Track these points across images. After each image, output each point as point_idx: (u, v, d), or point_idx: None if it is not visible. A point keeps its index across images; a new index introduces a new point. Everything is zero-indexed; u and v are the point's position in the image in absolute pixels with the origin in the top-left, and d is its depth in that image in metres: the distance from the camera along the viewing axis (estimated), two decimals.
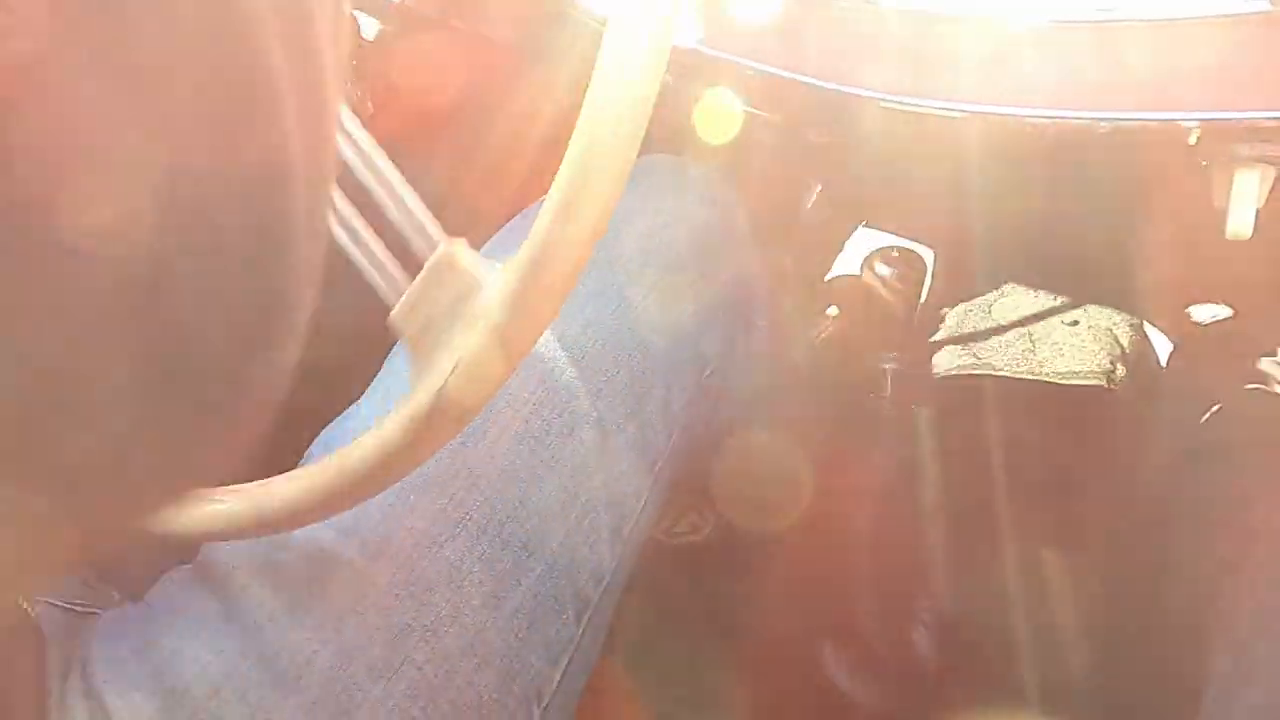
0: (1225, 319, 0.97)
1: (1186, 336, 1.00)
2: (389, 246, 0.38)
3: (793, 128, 1.06)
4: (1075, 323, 1.11)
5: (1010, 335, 1.12)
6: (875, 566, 0.51)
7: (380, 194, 0.37)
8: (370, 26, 0.88)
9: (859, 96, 0.47)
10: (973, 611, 0.86)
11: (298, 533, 0.48)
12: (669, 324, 0.56)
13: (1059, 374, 1.06)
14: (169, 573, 0.52)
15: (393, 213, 0.37)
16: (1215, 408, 0.87)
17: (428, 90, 0.94)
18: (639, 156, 0.64)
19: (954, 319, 1.15)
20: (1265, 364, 0.88)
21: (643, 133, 0.32)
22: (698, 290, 0.57)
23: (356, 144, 0.38)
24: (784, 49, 0.48)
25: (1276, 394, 0.83)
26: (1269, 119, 0.41)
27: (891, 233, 1.16)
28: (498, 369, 0.33)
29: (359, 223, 0.38)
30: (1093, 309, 1.11)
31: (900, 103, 0.47)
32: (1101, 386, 1.05)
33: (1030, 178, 1.13)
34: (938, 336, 1.13)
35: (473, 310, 0.34)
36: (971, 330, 1.13)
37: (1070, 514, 0.95)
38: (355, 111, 0.91)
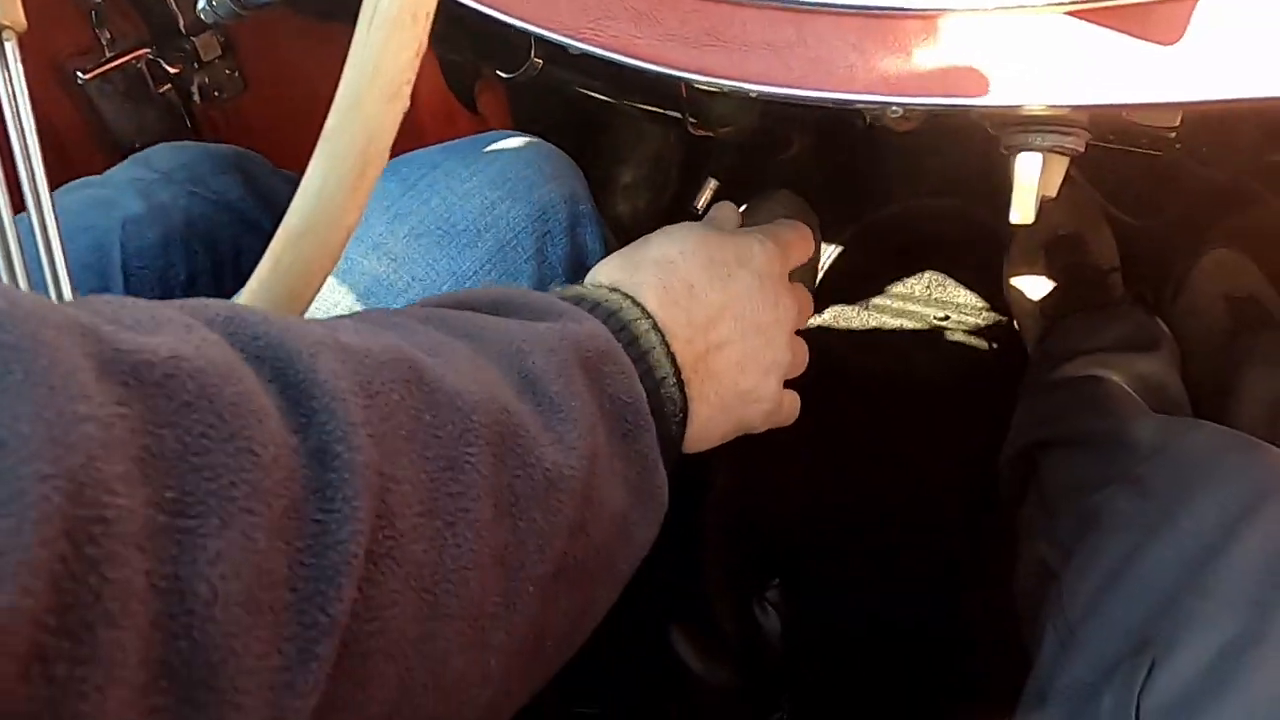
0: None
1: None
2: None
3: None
4: (946, 317, 1.14)
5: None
6: (723, 546, 0.52)
7: (40, 241, 0.37)
8: None
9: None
10: (821, 589, 0.88)
11: None
12: None
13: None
14: None
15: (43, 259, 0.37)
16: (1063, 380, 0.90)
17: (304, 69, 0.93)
18: (487, 132, 0.65)
19: (835, 310, 1.17)
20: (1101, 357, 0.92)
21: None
22: (534, 267, 0.57)
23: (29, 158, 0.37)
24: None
25: (1112, 381, 0.87)
26: (1045, 109, 0.43)
27: None
28: None
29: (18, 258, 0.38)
30: (963, 311, 1.15)
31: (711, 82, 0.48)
32: (964, 376, 1.08)
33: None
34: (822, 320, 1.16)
35: None
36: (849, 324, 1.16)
37: (921, 496, 0.98)
38: (221, 87, 0.89)
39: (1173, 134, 0.93)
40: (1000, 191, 0.50)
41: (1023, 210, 0.46)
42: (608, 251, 0.57)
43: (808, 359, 0.55)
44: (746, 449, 0.54)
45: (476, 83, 1.03)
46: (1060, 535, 0.70)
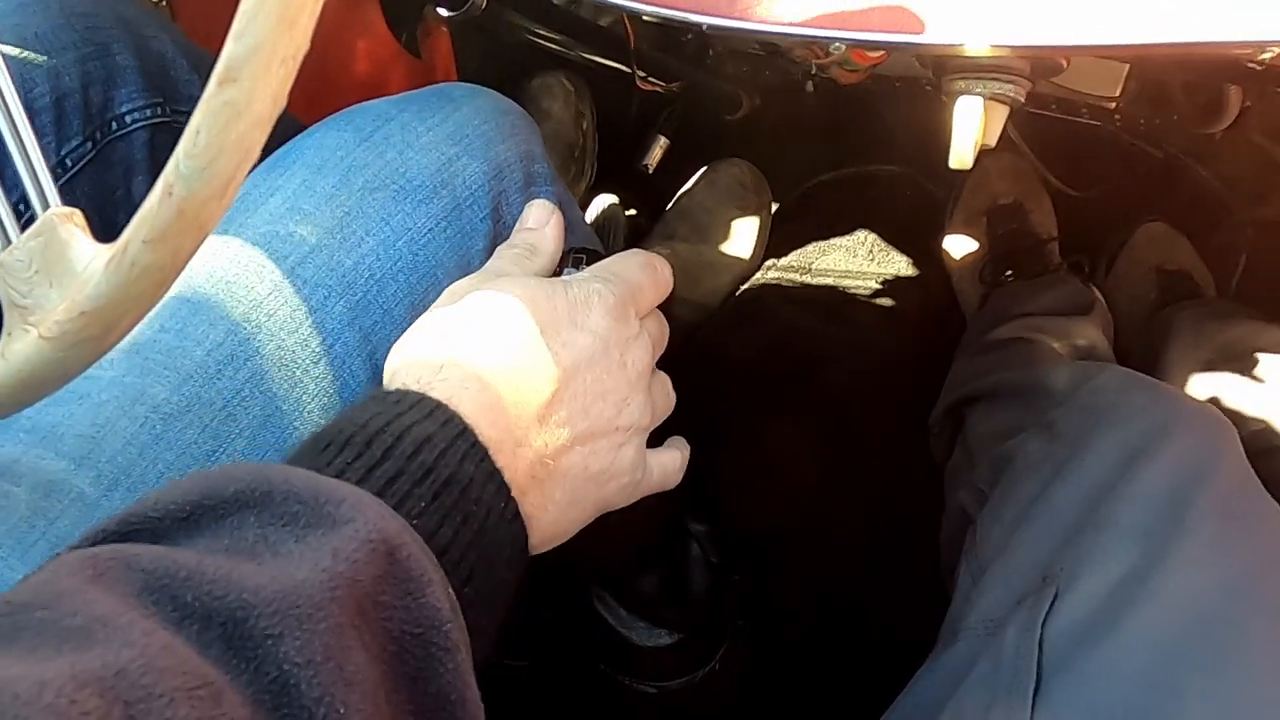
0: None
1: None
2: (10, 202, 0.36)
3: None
4: (887, 281, 1.15)
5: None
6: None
7: (11, 146, 0.35)
8: None
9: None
10: (753, 545, 0.88)
11: (25, 463, 0.45)
12: (458, 259, 0.54)
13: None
14: None
15: (19, 167, 0.35)
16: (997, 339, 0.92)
17: None
18: (442, 83, 0.63)
19: (777, 270, 1.17)
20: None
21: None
22: (490, 226, 0.55)
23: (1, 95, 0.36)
24: None
25: (1043, 342, 0.89)
26: (988, 50, 0.43)
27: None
28: (86, 346, 0.33)
29: None
30: (901, 278, 1.16)
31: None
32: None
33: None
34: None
35: (67, 282, 0.33)
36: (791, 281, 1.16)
37: (857, 455, 0.99)
38: None
39: (1112, 104, 0.95)
40: (944, 159, 0.50)
41: (960, 155, 0.47)
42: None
43: (673, 398, 0.50)
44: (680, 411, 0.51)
45: (419, 25, 1.01)
46: (977, 482, 0.71)
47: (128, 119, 0.63)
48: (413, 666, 0.31)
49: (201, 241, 0.32)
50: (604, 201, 1.15)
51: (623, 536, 0.70)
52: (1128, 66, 0.88)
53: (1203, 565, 0.45)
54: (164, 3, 0.79)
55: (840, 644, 0.87)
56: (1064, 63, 0.50)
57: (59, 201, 0.35)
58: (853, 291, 1.15)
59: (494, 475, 0.38)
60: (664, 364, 0.50)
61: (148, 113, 0.65)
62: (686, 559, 0.77)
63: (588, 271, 0.48)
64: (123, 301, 0.32)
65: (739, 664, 0.83)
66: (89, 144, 0.62)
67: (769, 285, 1.15)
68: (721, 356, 1.06)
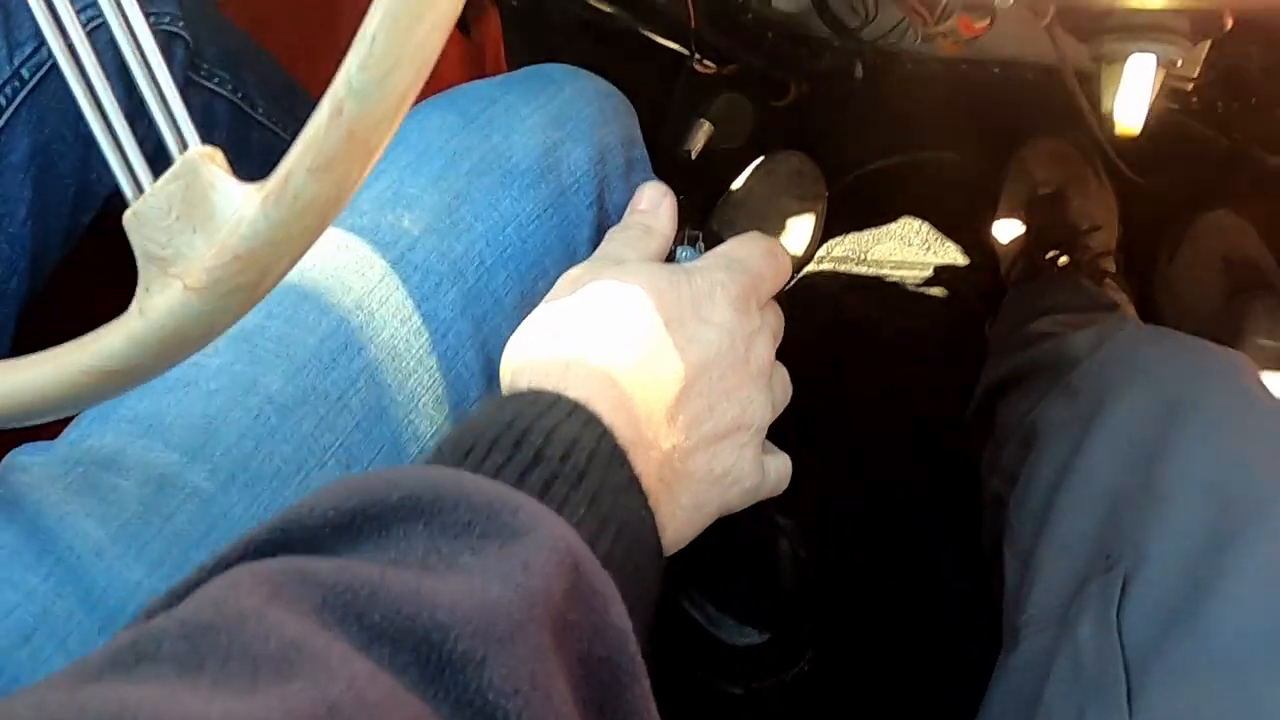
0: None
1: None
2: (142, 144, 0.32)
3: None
4: (942, 268, 1.13)
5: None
6: None
7: (143, 84, 0.32)
8: None
9: None
10: (834, 542, 0.86)
11: (131, 455, 0.41)
12: (564, 246, 0.52)
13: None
14: None
15: (152, 107, 0.32)
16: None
17: None
18: (540, 64, 0.60)
19: (832, 259, 1.15)
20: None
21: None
22: (595, 213, 0.53)
23: (130, 27, 0.32)
24: None
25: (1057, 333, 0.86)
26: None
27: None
28: (238, 296, 0.29)
29: (113, 109, 0.32)
30: (956, 267, 1.13)
31: None
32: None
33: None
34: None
35: (213, 227, 0.30)
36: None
37: (923, 444, 0.97)
38: None
39: (1190, 86, 0.93)
40: (995, 143, 0.48)
41: (1129, 119, 0.44)
42: None
43: (790, 391, 0.47)
44: None
45: (468, 4, 0.97)
46: (1005, 463, 0.68)
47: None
48: (599, 693, 0.28)
49: (369, 169, 0.28)
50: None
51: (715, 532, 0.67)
52: (1209, 43, 0.86)
53: None
54: None
55: (934, 649, 0.85)
56: (1228, 20, 0.47)
57: (198, 140, 0.31)
58: (908, 281, 1.12)
59: (634, 481, 0.36)
60: None
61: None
62: (776, 554, 0.74)
63: (708, 259, 0.45)
64: (282, 241, 0.29)
65: (829, 666, 0.80)
66: (45, 51, 0.58)
67: (824, 275, 1.12)
68: (781, 346, 1.03)
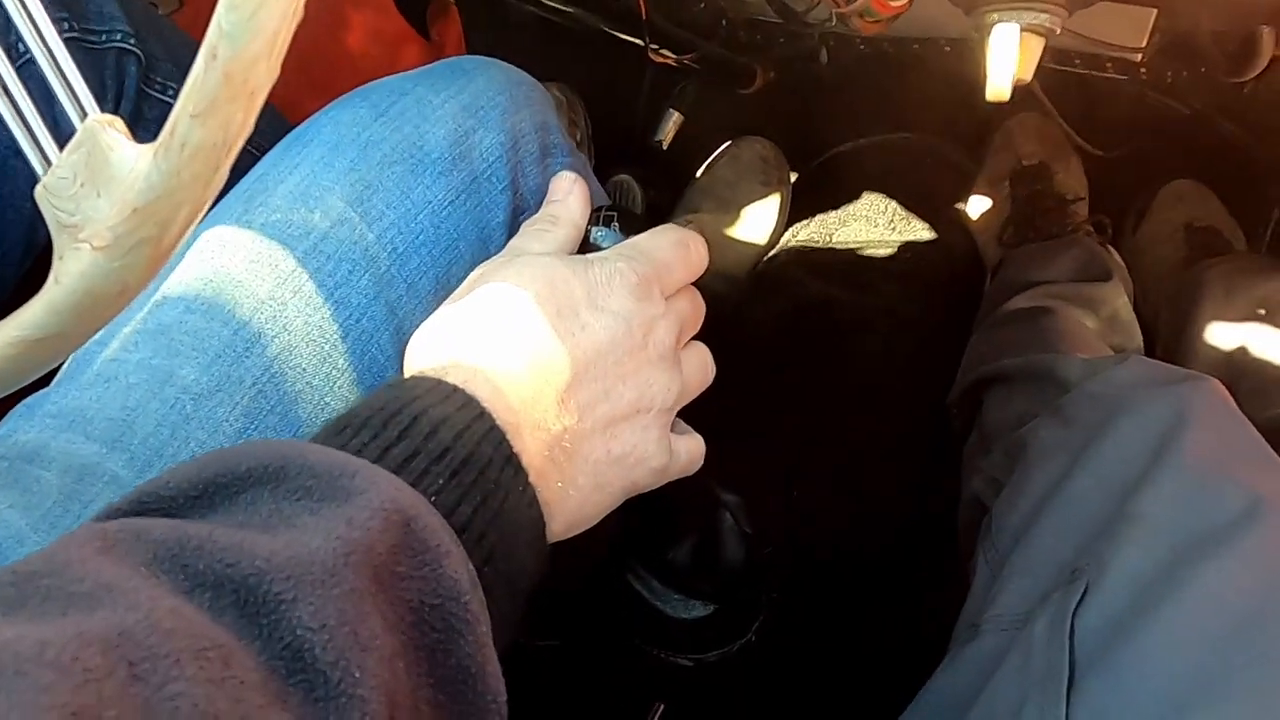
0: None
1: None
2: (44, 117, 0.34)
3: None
4: (909, 248, 1.14)
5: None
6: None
7: (40, 58, 0.33)
8: None
9: None
10: (787, 517, 0.87)
11: (54, 448, 0.43)
12: (478, 230, 0.54)
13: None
14: None
15: (49, 79, 0.33)
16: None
17: None
18: (453, 57, 0.62)
19: (798, 242, 1.16)
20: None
21: None
22: (509, 199, 0.55)
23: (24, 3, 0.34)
24: None
25: (1062, 313, 0.87)
26: None
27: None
28: (143, 250, 0.31)
29: (16, 87, 0.34)
30: (923, 244, 1.14)
31: None
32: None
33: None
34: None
35: (114, 188, 0.31)
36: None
37: (885, 425, 0.98)
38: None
39: (1138, 56, 0.93)
40: (962, 124, 0.48)
41: (997, 87, 0.45)
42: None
43: (711, 371, 0.49)
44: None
45: (429, 6, 1.00)
46: (990, 469, 0.71)
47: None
48: (432, 638, 0.30)
49: (253, 114, 0.30)
50: (617, 178, 1.14)
51: (657, 508, 0.69)
52: (1154, 13, 0.86)
53: (1236, 560, 0.44)
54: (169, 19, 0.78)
55: (879, 618, 0.86)
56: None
57: (96, 108, 0.33)
58: (875, 260, 1.13)
59: (511, 458, 0.38)
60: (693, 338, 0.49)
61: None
62: (719, 530, 0.76)
63: (615, 249, 0.47)
64: (176, 190, 0.30)
65: (776, 636, 0.81)
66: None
67: (790, 257, 1.13)
68: (745, 329, 1.05)
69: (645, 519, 0.71)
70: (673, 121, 1.24)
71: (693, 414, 0.49)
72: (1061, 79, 1.01)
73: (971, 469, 0.78)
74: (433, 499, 0.34)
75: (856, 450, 0.95)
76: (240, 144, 0.30)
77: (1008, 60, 0.45)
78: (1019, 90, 0.97)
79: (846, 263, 1.13)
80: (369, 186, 0.50)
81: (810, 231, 1.16)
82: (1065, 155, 1.08)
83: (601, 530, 0.45)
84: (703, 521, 0.76)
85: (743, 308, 1.06)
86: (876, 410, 0.98)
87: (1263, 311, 0.89)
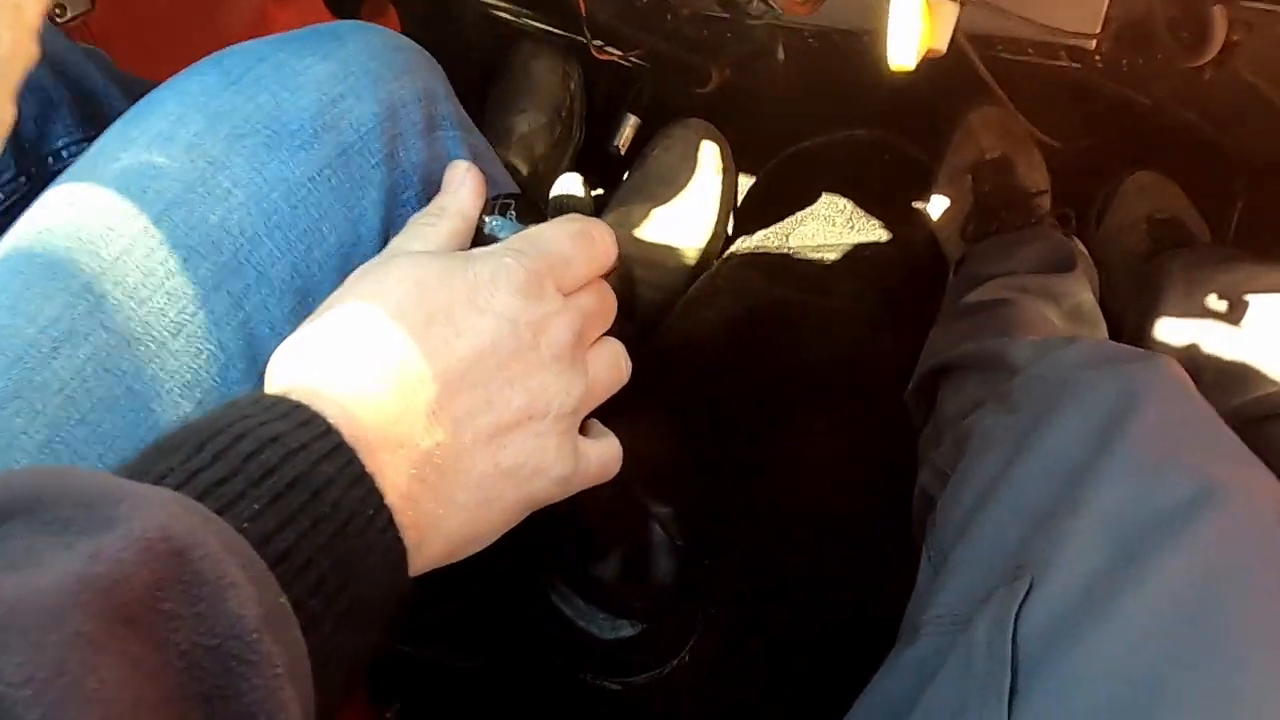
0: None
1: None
2: None
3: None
4: (865, 247, 1.11)
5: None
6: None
7: None
8: None
9: None
10: (727, 527, 0.84)
11: None
12: (346, 209, 0.50)
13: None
14: None
15: None
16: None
17: None
18: (330, 21, 0.58)
19: (752, 243, 1.13)
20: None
21: None
22: (384, 173, 0.51)
23: None
24: None
25: (1022, 303, 0.84)
26: None
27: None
28: None
29: None
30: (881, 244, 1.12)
31: None
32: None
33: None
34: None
35: None
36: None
37: (837, 426, 0.95)
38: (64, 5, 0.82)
39: (1093, 44, 0.90)
40: (921, 121, 0.46)
41: (899, 55, 0.42)
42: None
43: (625, 369, 0.45)
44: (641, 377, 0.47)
45: (363, 4, 0.97)
46: (938, 461, 0.68)
47: (63, 153, 0.62)
48: (208, 684, 0.26)
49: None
50: (568, 181, 1.11)
51: (579, 522, 0.66)
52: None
53: (1184, 553, 0.42)
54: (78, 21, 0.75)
55: (822, 634, 0.82)
56: None
57: None
58: (832, 261, 1.10)
59: (362, 479, 0.34)
60: (633, 339, 0.45)
61: (84, 145, 0.62)
62: (649, 543, 0.72)
63: (505, 243, 0.43)
64: None
65: (711, 656, 0.77)
66: (23, 178, 0.60)
67: (744, 260, 1.10)
68: (696, 333, 1.02)
69: (565, 533, 0.67)
70: (630, 125, 1.22)
71: (619, 421, 0.46)
72: (1015, 69, 0.98)
73: (922, 461, 0.75)
74: (245, 526, 0.30)
75: (809, 455, 0.91)
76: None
77: (911, 28, 0.42)
78: (976, 83, 0.96)
79: (803, 263, 1.10)
80: (213, 162, 0.46)
81: (766, 233, 1.13)
82: (1027, 149, 1.05)
83: (506, 542, 0.42)
84: (631, 534, 0.72)
85: (693, 311, 1.03)
86: (829, 412, 0.94)
87: (1225, 303, 0.86)
